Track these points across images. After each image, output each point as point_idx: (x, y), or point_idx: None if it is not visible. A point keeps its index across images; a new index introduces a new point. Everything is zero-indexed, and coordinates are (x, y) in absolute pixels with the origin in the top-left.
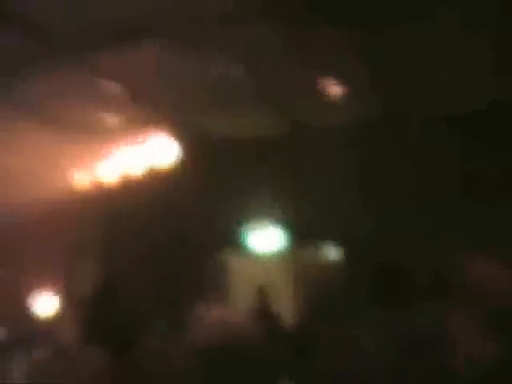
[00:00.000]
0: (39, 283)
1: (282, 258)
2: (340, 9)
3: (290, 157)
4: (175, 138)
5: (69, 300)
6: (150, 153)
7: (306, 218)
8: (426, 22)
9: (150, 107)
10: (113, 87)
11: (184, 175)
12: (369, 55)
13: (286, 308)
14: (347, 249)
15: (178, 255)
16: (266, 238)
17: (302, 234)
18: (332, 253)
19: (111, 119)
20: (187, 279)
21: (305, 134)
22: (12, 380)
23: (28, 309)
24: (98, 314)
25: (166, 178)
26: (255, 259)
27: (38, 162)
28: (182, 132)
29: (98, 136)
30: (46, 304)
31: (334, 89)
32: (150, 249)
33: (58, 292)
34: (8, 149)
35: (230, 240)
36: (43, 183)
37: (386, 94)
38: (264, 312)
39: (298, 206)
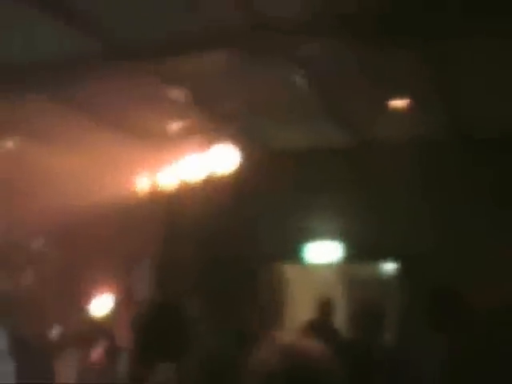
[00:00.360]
0: (97, 284)
1: (340, 271)
2: (410, 25)
3: (353, 171)
4: (238, 148)
5: (126, 304)
6: (213, 161)
7: (366, 232)
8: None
9: (215, 115)
10: (178, 94)
11: (245, 185)
12: (436, 71)
13: (341, 322)
14: (406, 266)
15: (236, 265)
16: (325, 251)
17: (361, 249)
18: (390, 269)
19: (175, 126)
20: (245, 289)
21: (370, 148)
22: (64, 380)
23: (85, 309)
24: (152, 323)
25: (227, 186)
26: (314, 271)
27: (101, 164)
28: (246, 142)
29: (161, 142)
30: (103, 305)
31: (401, 104)
32: (208, 257)
33: (115, 294)
34: (70, 150)
35: (289, 251)
36: (105, 186)
37: (452, 112)
38: (323, 324)
39: (360, 221)
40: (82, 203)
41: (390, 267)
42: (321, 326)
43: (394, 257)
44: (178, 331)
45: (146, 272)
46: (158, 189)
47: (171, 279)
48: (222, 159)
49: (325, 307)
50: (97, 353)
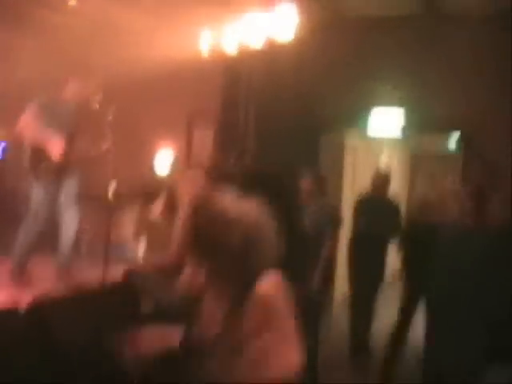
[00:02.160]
0: (157, 142)
1: (401, 144)
2: None
3: (423, 39)
4: (304, 12)
5: (186, 162)
6: (278, 24)
7: (431, 104)
8: None
9: None
10: None
11: (309, 49)
12: None
13: (399, 196)
14: (467, 143)
15: (297, 131)
16: (389, 120)
17: (425, 121)
18: (452, 145)
19: None
20: (304, 157)
21: (439, 16)
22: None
23: (146, 166)
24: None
25: (290, 50)
26: (374, 142)
27: (165, 21)
28: (312, 6)
29: (226, 2)
30: (163, 163)
31: None
32: (267, 122)
33: (176, 152)
34: (135, 6)
35: (352, 119)
36: (167, 43)
37: None
38: (376, 197)
39: (426, 92)
40: (143, 59)
41: (452, 143)
42: (374, 198)
43: (459, 133)
44: None
45: (206, 132)
46: (220, 49)
47: (230, 143)
48: (287, 22)
49: (380, 181)
50: (157, 207)
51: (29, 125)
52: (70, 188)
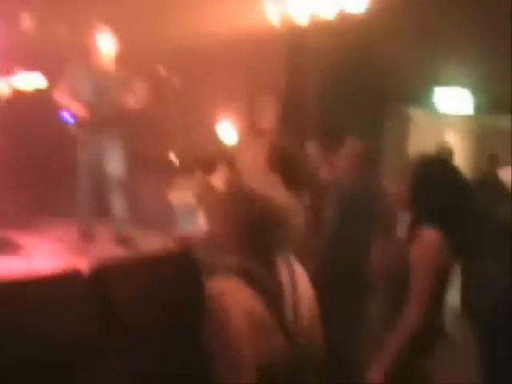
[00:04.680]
0: (218, 112)
1: (466, 121)
2: None
3: (492, 16)
4: None
5: (248, 133)
6: None
7: (499, 85)
8: None
9: None
10: None
11: (379, 25)
12: None
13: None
14: None
15: (362, 104)
16: (454, 99)
17: (491, 102)
18: None
19: None
20: (368, 134)
21: None
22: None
23: (206, 136)
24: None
25: (359, 24)
26: (439, 118)
27: None
28: None
29: None
30: (224, 133)
31: None
32: (330, 91)
33: (237, 122)
34: None
35: (418, 95)
36: (233, 13)
37: None
38: None
39: (495, 72)
40: (207, 27)
41: None
42: None
43: None
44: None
45: (269, 103)
46: (287, 19)
47: (293, 115)
48: None
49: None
50: (217, 177)
51: (59, 89)
52: (113, 150)
